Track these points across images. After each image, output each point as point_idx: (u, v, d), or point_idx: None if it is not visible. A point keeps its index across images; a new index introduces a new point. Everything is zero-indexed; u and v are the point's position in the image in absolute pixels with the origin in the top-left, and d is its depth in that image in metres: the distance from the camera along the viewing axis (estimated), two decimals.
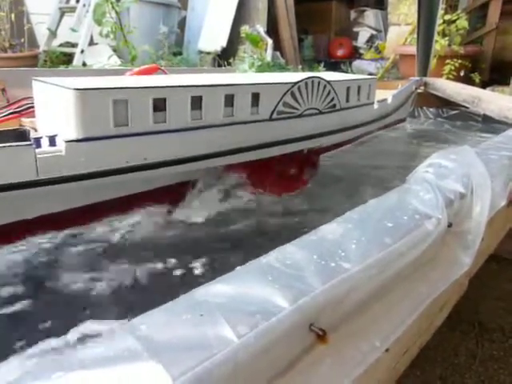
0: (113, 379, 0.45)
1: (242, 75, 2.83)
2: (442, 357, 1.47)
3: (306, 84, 1.60)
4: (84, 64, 4.31)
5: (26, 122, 1.29)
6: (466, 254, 1.01)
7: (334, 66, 5.54)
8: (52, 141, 1.12)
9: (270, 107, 1.52)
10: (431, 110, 3.27)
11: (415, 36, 3.46)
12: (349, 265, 0.67)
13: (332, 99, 1.74)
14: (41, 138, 1.13)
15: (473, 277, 1.23)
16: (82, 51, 4.30)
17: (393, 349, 0.75)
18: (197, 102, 1.31)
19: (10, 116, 1.29)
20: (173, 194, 1.49)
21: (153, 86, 1.23)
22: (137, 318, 0.53)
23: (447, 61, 4.10)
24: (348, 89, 1.83)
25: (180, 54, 4.91)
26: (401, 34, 5.01)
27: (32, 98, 1.30)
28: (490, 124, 2.85)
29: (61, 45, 4.74)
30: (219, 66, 4.69)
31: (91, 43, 4.53)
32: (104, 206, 1.31)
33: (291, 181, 1.77)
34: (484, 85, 4.14)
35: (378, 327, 0.72)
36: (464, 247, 1.02)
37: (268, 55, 4.51)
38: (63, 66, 4.26)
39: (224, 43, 4.84)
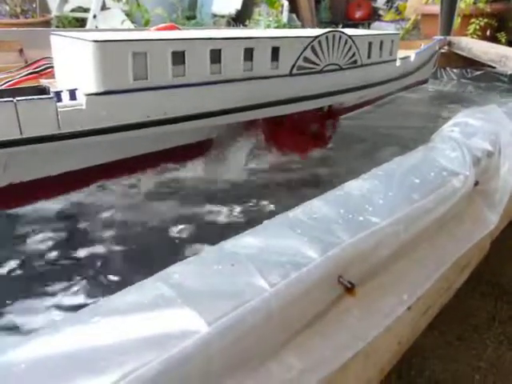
0: (148, 324, 0.45)
1: (262, 30, 2.76)
2: (460, 318, 1.48)
3: (327, 38, 1.55)
4: None
5: (45, 82, 1.28)
6: (492, 213, 0.99)
7: (352, 28, 5.35)
8: (72, 95, 1.12)
9: (290, 62, 1.48)
10: (455, 70, 3.15)
11: None
12: (377, 219, 0.67)
13: (353, 55, 1.68)
14: (61, 91, 1.13)
15: (495, 239, 1.21)
16: (95, 16, 4.22)
17: (414, 307, 0.75)
18: (216, 56, 1.28)
19: (29, 76, 1.28)
20: (193, 152, 1.49)
21: (171, 38, 1.21)
22: (168, 268, 0.54)
23: (472, 20, 3.92)
24: (370, 44, 1.76)
25: (194, 17, 4.80)
26: None
27: (50, 58, 1.29)
28: None
29: (73, 10, 4.66)
30: None
31: (103, 8, 4.43)
32: (125, 163, 1.32)
33: (311, 139, 1.74)
34: (511, 44, 3.96)
35: (405, 282, 0.71)
36: (490, 206, 1.00)
37: (284, 17, 4.38)
38: None
39: (238, 6, 4.70)
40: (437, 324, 1.38)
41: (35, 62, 1.32)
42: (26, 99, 1.01)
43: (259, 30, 3.15)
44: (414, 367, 1.03)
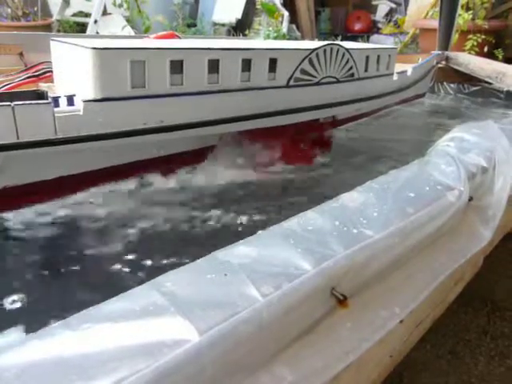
0: (140, 332, 0.45)
1: (260, 41, 2.78)
2: (453, 332, 1.47)
3: (325, 51, 1.57)
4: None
5: (43, 86, 1.28)
6: (485, 229, 1.00)
7: (351, 40, 5.40)
8: (70, 100, 1.13)
9: (287, 74, 1.50)
10: (452, 85, 3.18)
11: (437, 9, 3.35)
12: (371, 232, 0.67)
13: (350, 68, 1.70)
14: (59, 97, 1.14)
15: (488, 255, 1.22)
16: (96, 21, 4.23)
17: (407, 320, 0.76)
18: (214, 66, 1.30)
19: (28, 80, 1.28)
20: (189, 160, 1.49)
21: (170, 47, 1.22)
22: (161, 276, 0.54)
23: (470, 36, 3.97)
24: (367, 58, 1.78)
25: (194, 25, 4.83)
26: (422, 7, 4.85)
27: (50, 62, 1.30)
28: None
29: (74, 14, 4.69)
30: None
31: (105, 13, 4.45)
32: (121, 169, 1.33)
33: (304, 151, 1.76)
34: (508, 61, 4.00)
35: (398, 295, 0.71)
36: (484, 221, 1.01)
37: (284, 27, 4.42)
38: None
39: (239, 15, 4.74)
40: (429, 338, 1.37)
41: (34, 66, 1.33)
42: (23, 103, 1.01)
43: (257, 40, 3.18)
44: (406, 380, 1.03)
